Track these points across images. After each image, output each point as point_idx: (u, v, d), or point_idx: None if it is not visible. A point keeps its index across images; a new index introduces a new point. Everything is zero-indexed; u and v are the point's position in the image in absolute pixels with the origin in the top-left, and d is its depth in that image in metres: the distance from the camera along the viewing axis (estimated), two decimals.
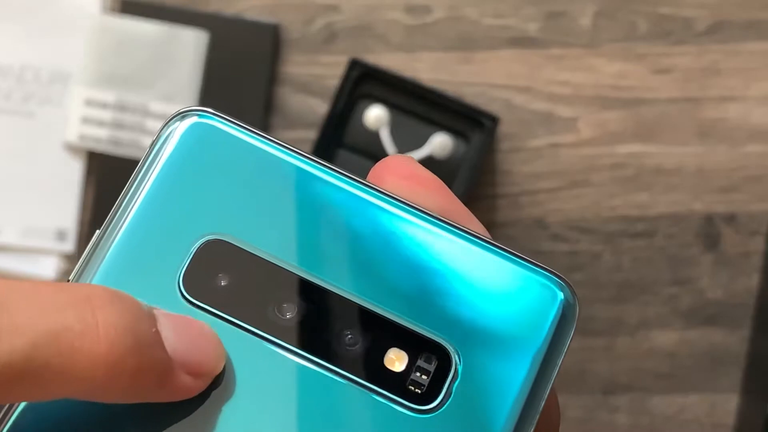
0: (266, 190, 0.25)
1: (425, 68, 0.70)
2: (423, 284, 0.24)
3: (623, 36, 0.71)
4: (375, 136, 0.67)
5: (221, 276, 0.24)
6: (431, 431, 0.23)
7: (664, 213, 0.70)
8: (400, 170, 0.25)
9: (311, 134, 0.69)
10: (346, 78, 0.66)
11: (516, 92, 0.70)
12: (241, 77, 0.71)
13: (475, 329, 0.24)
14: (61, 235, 0.70)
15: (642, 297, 0.69)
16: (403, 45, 0.71)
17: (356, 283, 0.24)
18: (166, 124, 0.25)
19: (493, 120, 0.66)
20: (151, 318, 0.21)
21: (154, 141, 0.25)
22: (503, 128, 0.69)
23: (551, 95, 0.70)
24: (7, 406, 0.22)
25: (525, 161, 0.70)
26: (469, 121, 0.67)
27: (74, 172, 0.71)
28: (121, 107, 0.70)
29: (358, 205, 0.24)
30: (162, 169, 0.24)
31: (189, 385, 0.22)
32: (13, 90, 0.71)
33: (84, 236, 0.70)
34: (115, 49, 0.71)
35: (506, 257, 0.24)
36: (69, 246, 0.70)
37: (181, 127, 0.25)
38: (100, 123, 0.70)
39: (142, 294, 0.23)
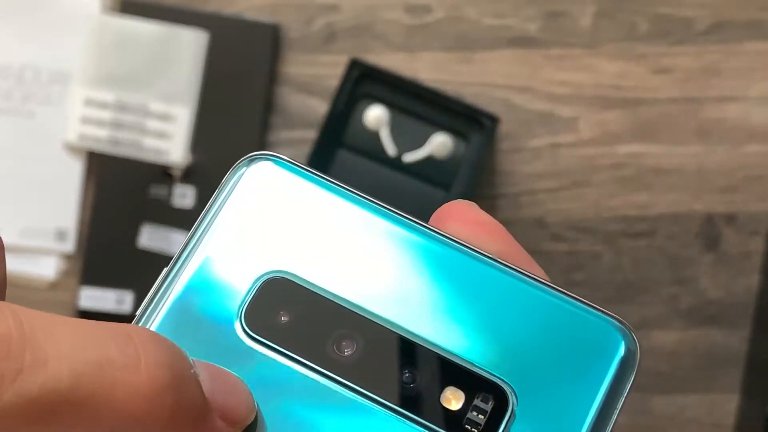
0: (329, 231, 0.26)
1: (425, 68, 0.70)
2: (482, 325, 0.25)
3: (623, 36, 0.70)
4: (375, 136, 0.66)
5: (282, 312, 0.25)
6: None
7: (664, 213, 0.70)
8: (463, 215, 0.26)
9: (311, 134, 0.69)
10: (346, 78, 0.66)
11: (516, 92, 0.70)
12: (241, 77, 0.71)
13: (533, 371, 0.24)
14: (60, 235, 0.70)
15: (642, 297, 0.69)
16: (403, 45, 0.71)
17: (415, 322, 0.25)
18: (235, 167, 0.26)
19: (493, 120, 0.66)
20: (189, 360, 0.22)
21: (222, 183, 0.26)
22: (503, 128, 0.69)
23: (551, 95, 0.70)
24: None
25: (525, 161, 0.70)
26: (469, 121, 0.67)
27: (74, 172, 0.71)
28: (120, 107, 0.70)
29: (419, 247, 0.25)
30: (228, 209, 0.26)
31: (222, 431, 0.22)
32: (13, 90, 0.71)
33: (84, 236, 0.70)
34: (115, 49, 0.70)
35: (568, 301, 0.25)
36: (69, 246, 0.70)
37: (248, 171, 0.26)
38: (100, 123, 0.70)
39: (204, 328, 0.24)
